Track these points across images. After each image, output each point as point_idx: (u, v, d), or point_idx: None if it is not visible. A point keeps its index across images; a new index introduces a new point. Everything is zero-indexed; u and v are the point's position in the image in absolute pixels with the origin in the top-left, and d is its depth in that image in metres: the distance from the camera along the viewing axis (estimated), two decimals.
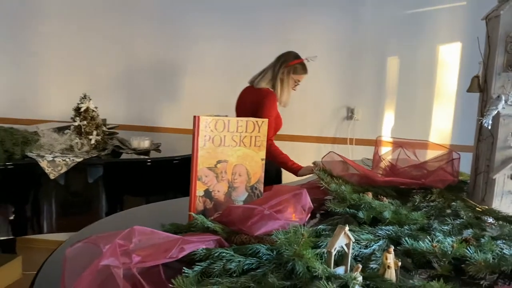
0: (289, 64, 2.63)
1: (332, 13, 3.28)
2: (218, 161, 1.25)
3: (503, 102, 1.44)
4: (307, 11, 3.31)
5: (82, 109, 2.23)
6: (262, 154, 1.31)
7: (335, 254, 0.98)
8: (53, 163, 2.02)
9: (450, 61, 3.22)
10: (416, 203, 1.45)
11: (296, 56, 2.68)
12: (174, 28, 3.47)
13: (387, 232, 1.16)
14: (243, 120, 1.27)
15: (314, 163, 1.85)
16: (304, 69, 2.69)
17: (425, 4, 3.18)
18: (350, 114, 3.35)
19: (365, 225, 1.22)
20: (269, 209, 1.13)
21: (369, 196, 1.44)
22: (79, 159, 2.07)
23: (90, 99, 2.27)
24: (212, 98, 3.45)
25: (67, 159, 2.04)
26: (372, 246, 1.10)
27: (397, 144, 1.87)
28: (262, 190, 1.33)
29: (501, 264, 0.94)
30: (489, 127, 1.43)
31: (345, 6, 3.26)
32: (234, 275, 0.91)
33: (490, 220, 1.35)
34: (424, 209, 1.40)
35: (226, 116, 1.33)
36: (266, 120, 1.31)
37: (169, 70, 3.54)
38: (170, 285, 0.81)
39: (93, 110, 2.27)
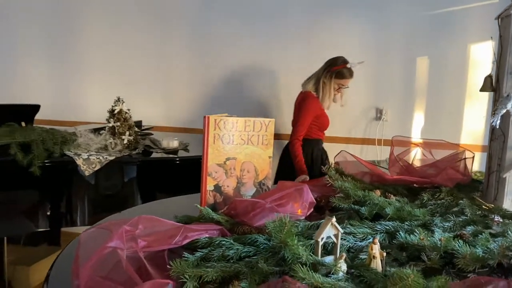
0: (332, 69, 2.80)
1: (362, 14, 3.30)
2: (227, 158, 1.34)
3: None
4: (337, 13, 3.35)
5: (116, 111, 2.39)
6: (270, 152, 1.39)
7: (329, 245, 1.05)
8: (88, 161, 2.18)
9: (482, 61, 3.15)
10: (424, 201, 1.47)
11: (343, 61, 2.83)
12: (208, 35, 3.61)
13: (386, 227, 1.20)
14: (251, 120, 1.35)
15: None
16: (348, 74, 2.83)
17: (456, 3, 3.14)
18: (379, 115, 3.35)
19: (366, 220, 1.27)
20: (271, 203, 1.21)
21: (377, 193, 1.48)
22: (111, 157, 2.23)
23: (123, 102, 2.43)
24: (246, 100, 3.57)
25: (101, 157, 2.20)
26: (368, 239, 1.15)
27: (414, 144, 1.90)
28: (269, 186, 1.41)
29: (488, 257, 0.97)
30: (497, 126, 1.43)
31: (375, 7, 3.27)
32: (231, 261, 1.00)
33: (497, 218, 1.35)
34: (430, 206, 1.42)
35: (236, 116, 1.42)
36: (273, 120, 1.38)
37: (204, 75, 3.68)
38: (168, 266, 0.90)
39: (126, 112, 2.42)
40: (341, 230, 0.99)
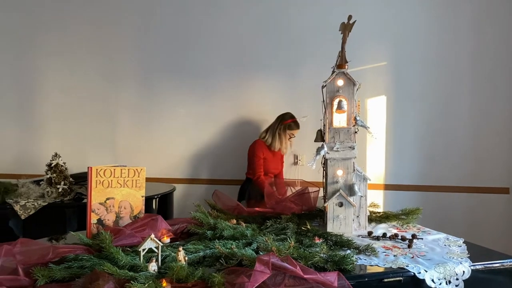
0: (284, 123, 3.52)
1: (273, 75, 3.91)
2: (107, 198, 1.79)
3: (325, 149, 1.93)
4: (257, 74, 3.94)
5: (52, 164, 2.83)
6: (142, 192, 1.84)
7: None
8: (25, 206, 2.60)
9: (377, 112, 3.72)
10: (268, 226, 1.92)
11: (291, 116, 3.55)
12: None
13: (216, 244, 1.63)
14: (126, 168, 1.81)
15: None
16: (296, 126, 3.55)
17: (351, 66, 3.73)
18: (296, 160, 3.86)
19: (207, 240, 1.70)
20: (131, 230, 1.65)
21: (232, 222, 1.93)
22: (45, 203, 2.65)
23: (60, 156, 2.88)
24: (179, 151, 4.05)
25: (36, 204, 2.62)
26: (200, 253, 1.58)
27: (286, 183, 2.39)
28: None
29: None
30: (313, 167, 1.91)
31: (286, 69, 3.87)
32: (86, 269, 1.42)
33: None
34: (270, 229, 1.87)
35: (125, 166, 1.88)
36: (144, 168, 1.84)
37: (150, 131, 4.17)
38: (30, 271, 1.31)
39: (62, 165, 2.86)
40: (161, 244, 1.43)
